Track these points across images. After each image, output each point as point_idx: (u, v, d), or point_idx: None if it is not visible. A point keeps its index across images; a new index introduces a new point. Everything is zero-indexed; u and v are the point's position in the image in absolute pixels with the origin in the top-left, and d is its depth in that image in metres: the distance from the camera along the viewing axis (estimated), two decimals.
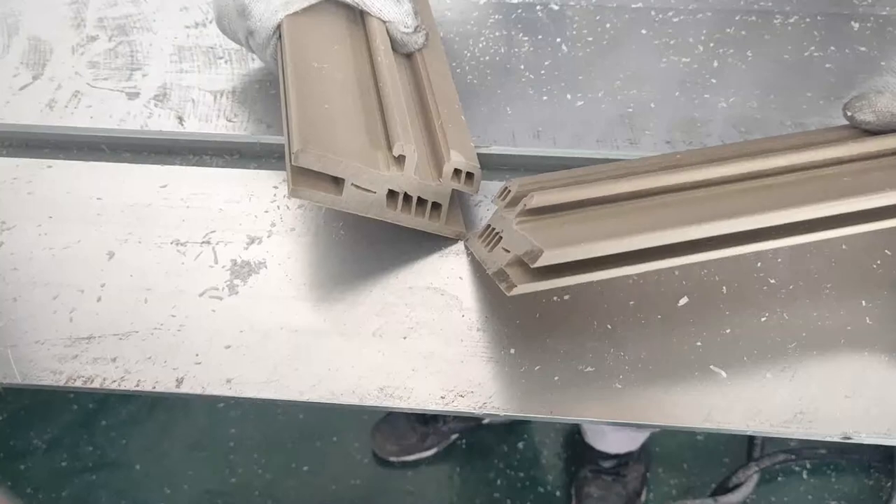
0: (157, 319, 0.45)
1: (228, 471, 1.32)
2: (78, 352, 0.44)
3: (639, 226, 0.37)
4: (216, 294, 0.46)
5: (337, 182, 0.41)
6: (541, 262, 0.36)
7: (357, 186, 0.41)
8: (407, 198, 0.44)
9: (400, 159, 0.42)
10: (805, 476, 1.29)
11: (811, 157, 0.42)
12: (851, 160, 0.43)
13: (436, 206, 0.46)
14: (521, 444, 1.35)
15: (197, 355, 0.44)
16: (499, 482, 1.31)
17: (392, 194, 0.43)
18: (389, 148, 0.43)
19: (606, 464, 1.27)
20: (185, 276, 0.47)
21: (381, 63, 0.48)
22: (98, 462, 1.36)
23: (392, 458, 1.32)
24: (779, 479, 1.29)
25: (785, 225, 0.39)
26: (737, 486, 1.20)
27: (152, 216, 0.51)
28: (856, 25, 0.64)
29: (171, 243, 0.49)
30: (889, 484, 1.24)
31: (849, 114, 0.45)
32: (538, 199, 0.38)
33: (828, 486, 1.28)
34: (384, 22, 0.51)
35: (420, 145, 0.46)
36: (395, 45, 0.52)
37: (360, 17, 0.52)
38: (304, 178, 0.40)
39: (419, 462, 1.33)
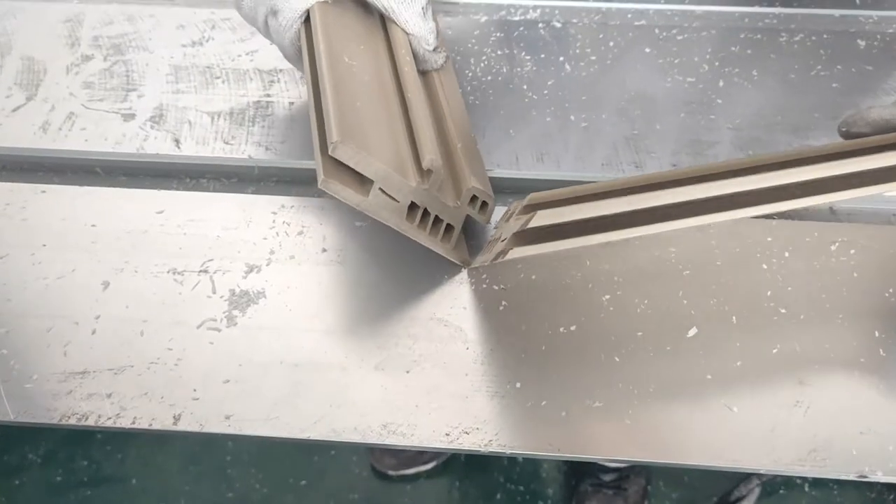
0: (153, 353, 0.44)
1: (226, 485, 1.31)
2: (72, 387, 0.42)
3: (630, 187, 0.37)
4: (214, 326, 0.45)
5: (363, 183, 0.40)
6: (535, 221, 0.36)
7: (383, 192, 0.40)
8: (425, 214, 0.43)
9: (427, 173, 0.42)
10: (807, 489, 1.28)
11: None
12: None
13: (449, 228, 0.45)
14: (520, 458, 1.33)
15: (195, 390, 0.42)
16: (498, 496, 1.30)
17: (412, 207, 0.42)
18: (416, 160, 0.42)
19: (607, 477, 1.25)
20: (182, 306, 0.46)
21: (407, 74, 0.47)
22: (94, 477, 1.34)
23: (391, 472, 1.30)
24: (781, 491, 1.28)
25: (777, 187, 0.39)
26: (739, 500, 1.19)
27: (149, 243, 0.49)
28: (862, 43, 0.64)
29: (168, 272, 0.48)
30: (892, 497, 1.24)
31: (843, 130, 0.44)
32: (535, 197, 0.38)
33: (830, 498, 1.27)
34: (407, 34, 0.50)
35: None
36: (415, 61, 0.51)
37: (381, 23, 0.51)
38: (335, 171, 0.39)
39: (418, 475, 1.32)
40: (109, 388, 0.43)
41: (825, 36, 0.64)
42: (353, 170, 0.39)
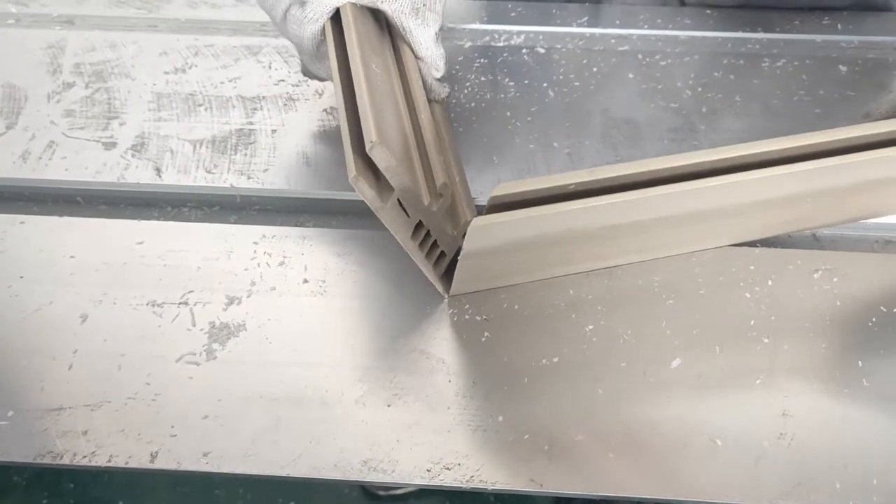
0: (131, 388, 0.43)
1: None
2: (47, 425, 0.42)
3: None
4: (193, 360, 0.45)
5: (382, 190, 0.40)
6: (498, 191, 0.37)
7: (400, 204, 0.40)
8: (426, 236, 0.43)
9: (438, 196, 0.42)
10: None
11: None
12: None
13: (442, 255, 0.45)
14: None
15: (172, 427, 0.42)
16: None
17: (419, 226, 0.42)
18: (427, 181, 0.42)
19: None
20: (161, 340, 0.46)
21: (419, 97, 0.48)
22: (80, 499, 1.32)
23: (381, 493, 1.29)
24: None
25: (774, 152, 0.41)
26: None
27: (128, 275, 0.49)
28: (844, 69, 0.64)
29: (148, 304, 0.47)
30: None
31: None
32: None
33: None
34: (417, 59, 0.50)
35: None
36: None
37: (389, 43, 0.51)
38: (364, 170, 0.39)
39: (408, 496, 1.31)
40: (86, 424, 0.42)
41: (807, 61, 0.65)
42: (375, 176, 0.39)
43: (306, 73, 0.55)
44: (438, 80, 0.52)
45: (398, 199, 0.40)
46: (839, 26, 0.68)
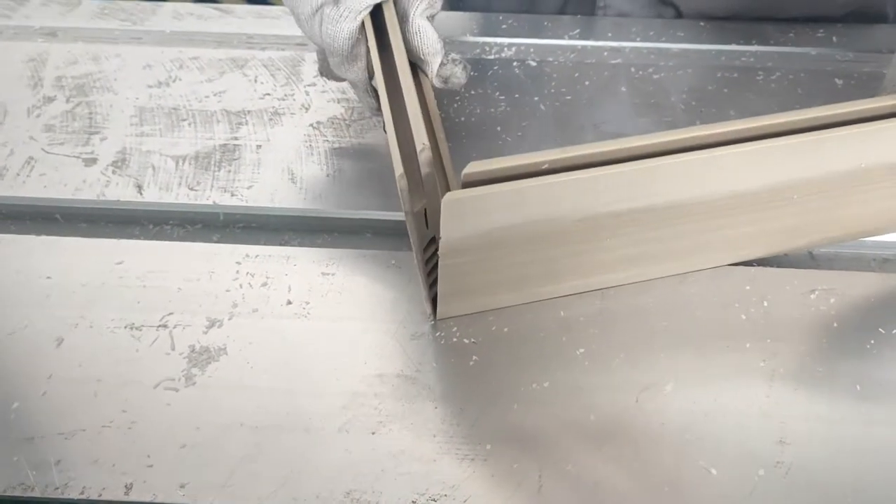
0: (106, 415, 0.42)
1: None
2: (18, 455, 0.40)
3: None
4: (172, 385, 0.43)
5: (413, 194, 0.40)
6: (469, 169, 0.37)
7: (424, 213, 0.40)
8: (434, 255, 0.43)
9: None
10: None
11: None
12: None
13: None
14: None
15: (149, 457, 0.40)
16: None
17: (431, 242, 0.42)
18: (442, 189, 0.42)
19: None
20: (138, 364, 0.44)
21: (436, 118, 0.48)
22: None
23: None
24: None
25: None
26: None
27: (106, 297, 0.47)
28: (839, 82, 0.63)
29: (125, 327, 0.46)
30: None
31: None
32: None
33: None
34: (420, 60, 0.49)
35: None
36: None
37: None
38: (409, 170, 0.39)
39: None
40: (59, 454, 0.40)
41: (802, 75, 0.64)
42: (414, 180, 0.39)
43: (328, 74, 0.54)
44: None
45: (424, 209, 0.40)
46: (834, 39, 0.67)
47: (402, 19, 0.48)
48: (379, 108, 0.51)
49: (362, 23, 0.46)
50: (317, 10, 0.46)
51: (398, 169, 0.38)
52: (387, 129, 0.41)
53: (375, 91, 0.50)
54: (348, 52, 0.47)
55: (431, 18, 0.51)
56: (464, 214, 0.38)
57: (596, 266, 0.45)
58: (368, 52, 0.47)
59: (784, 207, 0.45)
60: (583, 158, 0.39)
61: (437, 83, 0.52)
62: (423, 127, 0.39)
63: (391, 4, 0.47)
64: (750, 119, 0.41)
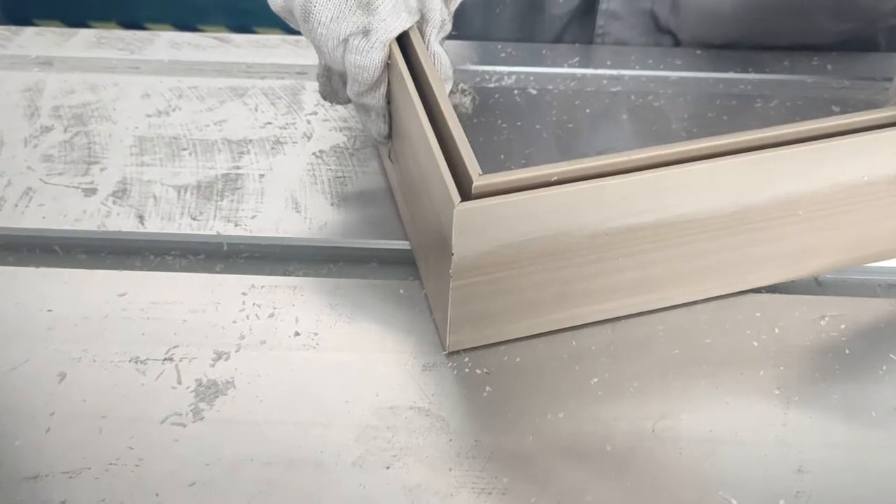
0: (112, 453, 0.41)
1: None
2: (21, 495, 0.39)
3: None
4: (179, 421, 0.42)
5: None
6: (480, 181, 0.37)
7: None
8: None
9: None
10: None
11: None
12: None
13: None
14: None
15: (157, 495, 0.39)
16: None
17: None
18: None
19: None
20: (144, 400, 0.43)
21: None
22: None
23: None
24: None
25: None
26: None
27: (109, 330, 0.46)
28: (836, 109, 0.64)
29: (130, 361, 0.45)
30: None
31: None
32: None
33: None
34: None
35: None
36: None
37: None
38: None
39: None
40: (63, 493, 0.39)
41: (799, 102, 0.64)
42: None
43: (330, 98, 0.53)
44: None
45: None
46: (829, 66, 0.68)
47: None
48: (389, 135, 0.51)
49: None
50: (341, 41, 0.46)
51: (455, 199, 0.37)
52: (430, 156, 0.40)
53: (390, 117, 0.49)
54: (374, 82, 0.47)
55: (443, 42, 0.51)
56: (475, 226, 0.38)
57: (608, 290, 0.44)
58: (389, 77, 0.47)
59: (792, 225, 0.45)
60: (591, 170, 0.39)
61: None
62: (473, 154, 0.39)
63: (415, 29, 0.47)
64: (755, 130, 0.41)
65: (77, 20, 1.80)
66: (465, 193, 0.38)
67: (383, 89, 0.48)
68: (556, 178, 0.38)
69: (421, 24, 0.48)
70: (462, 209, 0.37)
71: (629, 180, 0.39)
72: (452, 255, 0.38)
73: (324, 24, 0.45)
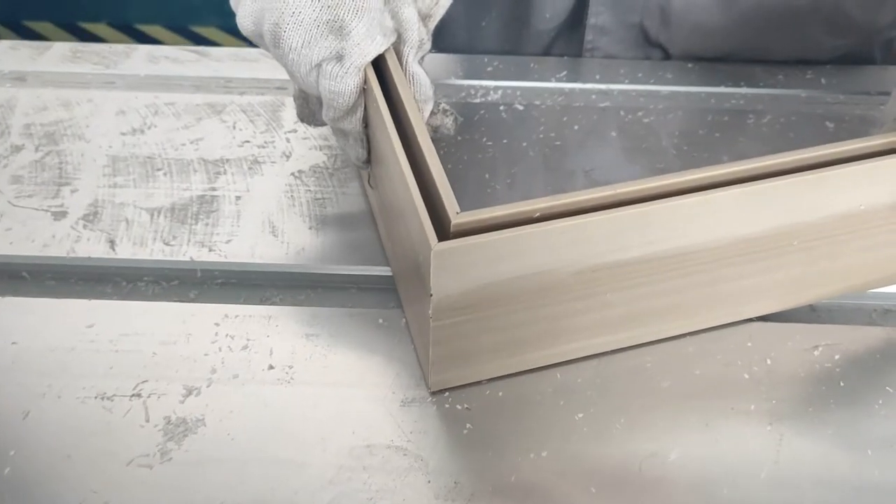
0: (76, 497, 0.39)
1: None
2: None
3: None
4: (146, 462, 0.40)
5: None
6: (458, 219, 0.36)
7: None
8: None
9: None
10: None
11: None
12: None
13: None
14: None
15: None
16: None
17: None
18: None
19: None
20: (110, 438, 0.41)
21: None
22: None
23: None
24: None
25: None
26: None
27: (76, 363, 0.45)
28: (831, 125, 0.62)
29: (97, 397, 0.43)
30: None
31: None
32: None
33: None
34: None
35: None
36: None
37: None
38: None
39: None
40: None
41: (793, 118, 0.63)
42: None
43: (308, 120, 0.51)
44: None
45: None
46: (823, 81, 0.66)
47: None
48: (368, 160, 0.49)
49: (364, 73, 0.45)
50: (314, 67, 0.44)
51: (433, 241, 0.35)
52: (405, 173, 0.38)
53: (368, 141, 0.48)
54: (350, 107, 0.45)
55: (422, 61, 0.49)
56: (455, 266, 0.36)
57: (597, 326, 0.43)
58: (366, 101, 0.46)
59: (786, 256, 0.44)
60: (576, 205, 0.38)
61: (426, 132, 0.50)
62: (450, 190, 0.37)
63: (392, 51, 0.46)
64: (746, 161, 0.40)
65: (67, 21, 1.78)
66: (444, 231, 0.36)
67: (360, 114, 0.46)
68: (539, 213, 0.37)
69: (398, 45, 0.46)
70: (440, 250, 0.35)
71: (616, 216, 0.37)
72: (431, 296, 0.37)
73: (295, 49, 0.43)
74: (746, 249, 0.42)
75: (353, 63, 0.43)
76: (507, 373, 0.44)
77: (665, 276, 0.41)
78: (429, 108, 0.48)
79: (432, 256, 0.35)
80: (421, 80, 0.47)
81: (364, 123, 0.47)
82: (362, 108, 0.46)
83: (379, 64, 0.46)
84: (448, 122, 0.50)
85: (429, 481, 0.40)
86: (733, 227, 0.40)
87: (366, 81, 0.44)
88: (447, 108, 0.50)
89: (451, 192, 0.37)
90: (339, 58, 0.43)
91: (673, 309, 0.44)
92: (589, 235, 0.37)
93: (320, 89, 0.45)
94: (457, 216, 0.36)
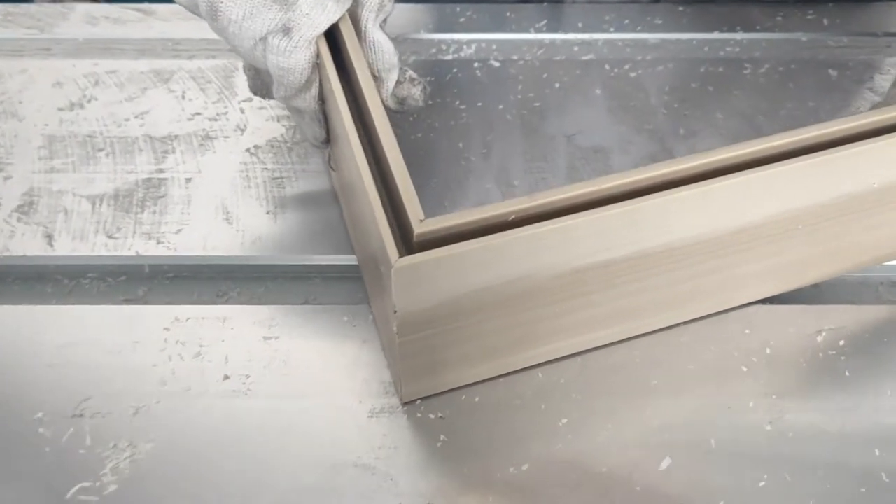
0: None
1: None
2: None
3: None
4: (90, 491, 0.37)
5: None
6: (422, 228, 0.31)
7: None
8: None
9: None
10: None
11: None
12: None
13: None
14: None
15: None
16: None
17: None
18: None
19: None
20: (49, 468, 0.38)
21: None
22: None
23: None
24: None
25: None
26: None
27: (9, 381, 0.41)
28: (834, 73, 0.57)
29: (34, 420, 0.39)
30: None
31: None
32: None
33: None
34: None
35: None
36: None
37: None
38: (400, 245, 0.32)
39: None
40: None
41: (792, 66, 0.57)
42: (407, 249, 0.33)
43: (261, 93, 0.47)
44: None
45: None
46: (825, 21, 0.61)
47: (355, 33, 0.41)
48: (327, 140, 0.44)
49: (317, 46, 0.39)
50: (259, 41, 0.39)
51: (393, 256, 0.31)
52: (363, 175, 0.34)
53: (326, 119, 0.43)
54: (302, 84, 0.40)
55: (384, 24, 0.44)
56: (420, 281, 0.32)
57: (581, 325, 0.39)
58: (321, 76, 0.40)
59: (789, 239, 0.39)
60: (555, 205, 0.33)
61: (392, 104, 0.45)
62: (414, 194, 0.33)
63: (347, 18, 0.40)
64: (743, 144, 0.35)
65: None
66: (407, 239, 0.32)
67: (315, 91, 0.41)
68: (514, 216, 0.32)
69: (355, 9, 0.41)
70: (402, 266, 0.30)
71: (601, 216, 0.32)
72: (395, 312, 0.33)
73: (235, 21, 0.38)
74: (745, 238, 0.37)
75: (303, 36, 0.38)
76: (484, 378, 0.40)
77: (655, 271, 0.37)
78: (393, 77, 0.43)
79: (393, 274, 0.31)
80: (383, 47, 0.41)
81: (320, 100, 0.42)
82: (317, 85, 0.41)
83: (333, 33, 0.40)
84: (416, 93, 0.45)
85: (399, 503, 0.37)
86: (731, 217, 0.36)
87: (319, 56, 0.39)
88: (414, 76, 0.45)
89: (415, 195, 0.32)
90: (287, 30, 0.38)
91: (663, 302, 0.40)
92: (570, 238, 0.33)
93: (268, 65, 0.40)
94: (421, 224, 0.31)
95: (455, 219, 0.32)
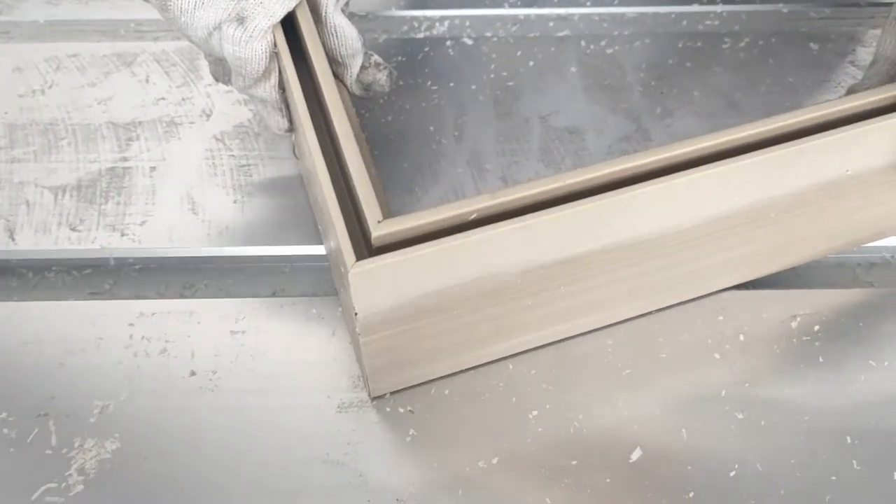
0: None
1: None
2: None
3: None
4: (56, 492, 0.36)
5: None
6: (379, 230, 0.30)
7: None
8: None
9: None
10: None
11: None
12: None
13: None
14: None
15: None
16: None
17: None
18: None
19: None
20: (13, 469, 0.37)
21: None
22: None
23: None
24: None
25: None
26: None
27: None
28: (815, 47, 0.56)
29: None
30: None
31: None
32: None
33: None
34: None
35: None
36: None
37: None
38: (359, 246, 0.32)
39: None
40: None
41: (773, 39, 0.56)
42: (367, 251, 0.33)
43: (224, 80, 0.45)
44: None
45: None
46: None
47: (315, 19, 0.40)
48: (291, 129, 0.43)
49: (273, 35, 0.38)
50: (213, 31, 0.38)
51: (350, 260, 0.30)
52: (320, 174, 0.33)
53: (288, 108, 0.42)
54: (261, 74, 0.39)
55: (346, 7, 0.42)
56: (380, 284, 0.31)
57: (550, 317, 0.38)
58: (280, 65, 0.39)
59: (762, 228, 0.39)
60: (519, 202, 0.32)
61: (357, 90, 0.44)
62: (375, 194, 0.32)
63: (305, 5, 0.39)
64: (713, 135, 0.34)
65: None
66: (367, 239, 0.31)
67: (274, 80, 0.40)
68: (475, 215, 0.31)
69: None
70: (359, 271, 0.30)
71: (567, 213, 0.31)
72: (356, 314, 0.32)
73: (187, 11, 0.37)
74: (716, 228, 0.37)
75: (258, 25, 0.37)
76: (454, 371, 0.39)
77: (625, 263, 0.36)
78: (357, 62, 0.42)
79: (350, 278, 0.30)
80: (346, 32, 0.40)
81: (281, 89, 0.41)
82: (276, 73, 0.40)
83: (292, 20, 0.39)
84: (381, 78, 0.44)
85: (368, 500, 0.36)
86: (701, 209, 0.35)
87: (276, 45, 0.38)
88: (380, 61, 0.44)
89: (373, 195, 0.31)
90: (241, 20, 0.37)
91: (635, 291, 0.39)
92: (536, 237, 0.32)
93: (224, 55, 0.39)
94: (378, 226, 0.31)
95: (414, 219, 0.31)
